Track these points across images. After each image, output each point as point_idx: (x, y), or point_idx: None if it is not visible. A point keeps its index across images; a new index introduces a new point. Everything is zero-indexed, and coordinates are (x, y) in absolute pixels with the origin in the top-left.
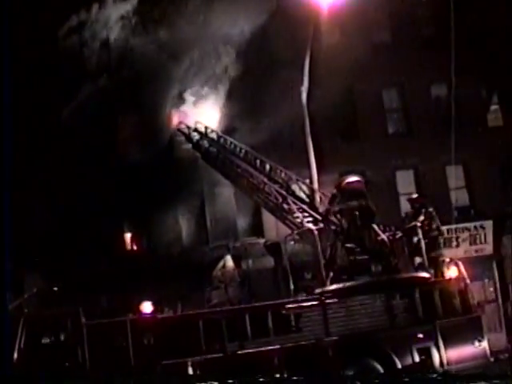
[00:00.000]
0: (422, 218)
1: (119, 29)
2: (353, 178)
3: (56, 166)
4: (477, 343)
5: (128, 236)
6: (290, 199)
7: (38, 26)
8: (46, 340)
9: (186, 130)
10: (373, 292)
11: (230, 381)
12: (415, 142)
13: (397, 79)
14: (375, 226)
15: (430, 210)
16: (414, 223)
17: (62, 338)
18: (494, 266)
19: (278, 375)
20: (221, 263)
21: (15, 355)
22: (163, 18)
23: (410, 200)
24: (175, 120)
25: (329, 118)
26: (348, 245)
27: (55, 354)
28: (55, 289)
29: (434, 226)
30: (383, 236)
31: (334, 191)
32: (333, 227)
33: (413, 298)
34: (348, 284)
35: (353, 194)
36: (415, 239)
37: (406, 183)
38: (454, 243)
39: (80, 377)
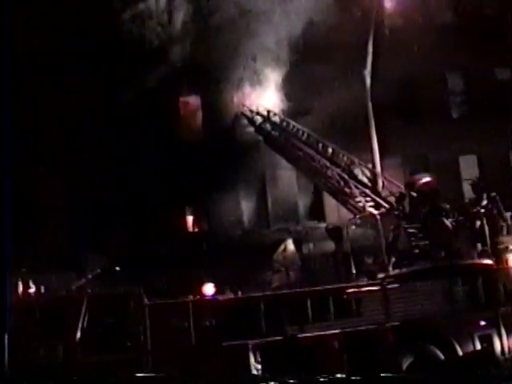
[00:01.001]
0: (484, 202)
1: (184, 7)
2: (425, 179)
3: (119, 148)
4: None
5: (190, 217)
6: (351, 183)
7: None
8: (108, 319)
9: (248, 113)
10: (435, 277)
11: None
12: (479, 126)
13: (461, 62)
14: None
15: (493, 195)
16: (477, 208)
17: (124, 317)
18: None
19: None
20: (282, 246)
21: (78, 334)
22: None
23: (473, 185)
24: (238, 103)
25: (391, 101)
26: (410, 230)
27: (117, 334)
28: (117, 269)
29: (497, 211)
30: (446, 221)
31: (403, 190)
32: (395, 212)
33: (475, 284)
34: (410, 269)
35: (425, 196)
36: (478, 225)
37: (469, 168)
38: None
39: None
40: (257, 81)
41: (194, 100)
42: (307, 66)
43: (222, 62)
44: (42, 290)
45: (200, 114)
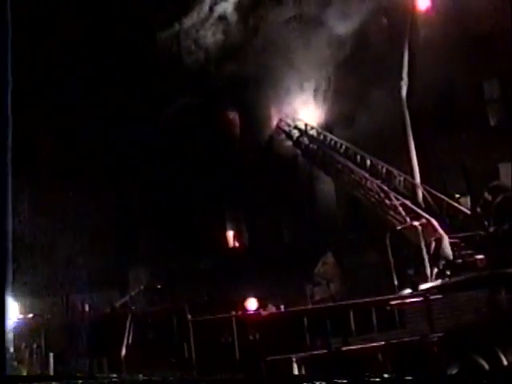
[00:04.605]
0: None
1: (219, 28)
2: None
3: (158, 164)
4: None
5: (230, 232)
6: (391, 194)
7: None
8: (152, 336)
9: (286, 128)
10: (478, 287)
11: (341, 381)
12: None
13: (498, 69)
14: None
15: None
16: None
17: (168, 334)
18: None
19: (388, 375)
20: (322, 259)
21: (123, 351)
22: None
23: None
24: (275, 118)
25: (428, 111)
26: (452, 240)
27: (162, 350)
28: (159, 286)
29: None
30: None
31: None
32: (434, 222)
33: None
34: (453, 279)
35: None
36: None
37: (509, 176)
38: None
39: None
40: (294, 95)
41: (232, 115)
42: (343, 78)
43: (259, 76)
44: (87, 308)
45: (238, 129)
